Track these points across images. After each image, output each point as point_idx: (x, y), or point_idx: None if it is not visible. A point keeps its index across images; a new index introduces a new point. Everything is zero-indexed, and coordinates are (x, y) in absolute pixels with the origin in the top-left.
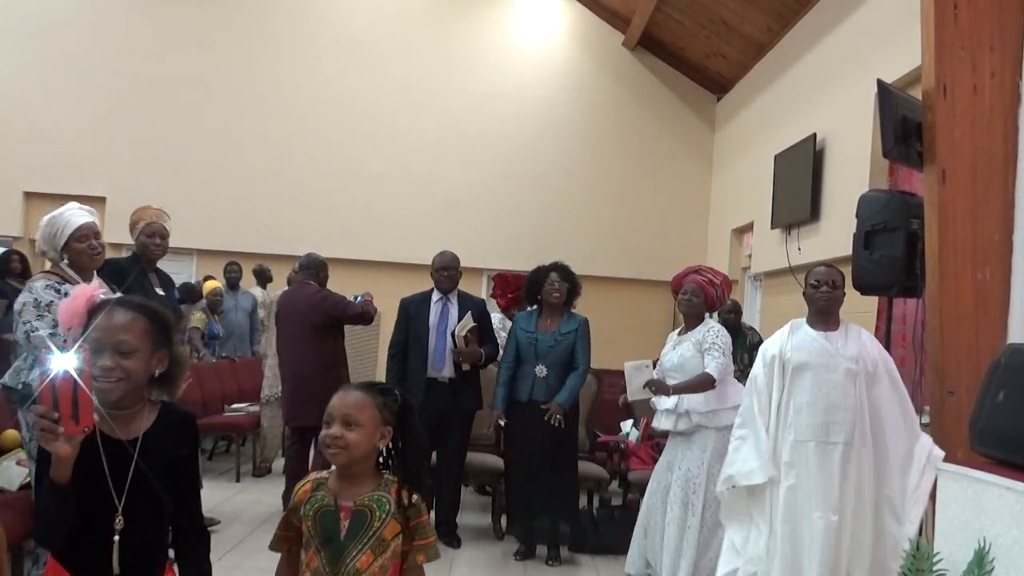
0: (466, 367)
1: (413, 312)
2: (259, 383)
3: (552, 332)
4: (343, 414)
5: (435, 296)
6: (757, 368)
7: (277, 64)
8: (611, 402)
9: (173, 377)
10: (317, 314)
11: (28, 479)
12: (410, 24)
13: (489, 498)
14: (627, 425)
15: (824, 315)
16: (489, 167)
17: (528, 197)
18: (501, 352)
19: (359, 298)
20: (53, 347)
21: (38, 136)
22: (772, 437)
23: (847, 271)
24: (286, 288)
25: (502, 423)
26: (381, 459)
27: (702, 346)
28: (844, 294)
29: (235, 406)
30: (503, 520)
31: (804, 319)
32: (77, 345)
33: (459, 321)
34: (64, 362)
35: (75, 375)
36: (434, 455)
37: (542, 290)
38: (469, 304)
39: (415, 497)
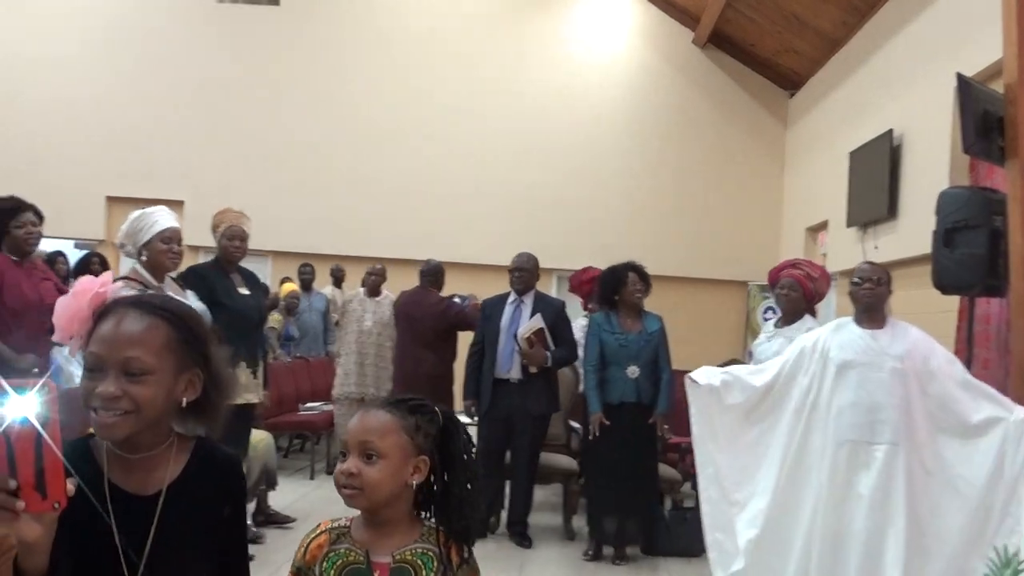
0: (533, 370)
1: (489, 313)
2: (332, 382)
3: (640, 332)
4: (360, 442)
5: (511, 297)
6: (787, 352)
7: (350, 67)
8: (683, 403)
9: (213, 405)
10: (440, 322)
11: None
12: (481, 25)
13: (560, 498)
14: None
15: (869, 312)
16: (559, 167)
17: (597, 197)
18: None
19: (466, 300)
20: (5, 385)
21: (120, 142)
22: (796, 436)
23: (926, 270)
24: (404, 290)
25: (606, 423)
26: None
27: None
28: (890, 291)
29: (309, 405)
30: (574, 520)
31: (851, 317)
32: (42, 382)
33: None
34: (21, 406)
35: (38, 425)
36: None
37: (622, 290)
38: (543, 306)
39: (467, 552)
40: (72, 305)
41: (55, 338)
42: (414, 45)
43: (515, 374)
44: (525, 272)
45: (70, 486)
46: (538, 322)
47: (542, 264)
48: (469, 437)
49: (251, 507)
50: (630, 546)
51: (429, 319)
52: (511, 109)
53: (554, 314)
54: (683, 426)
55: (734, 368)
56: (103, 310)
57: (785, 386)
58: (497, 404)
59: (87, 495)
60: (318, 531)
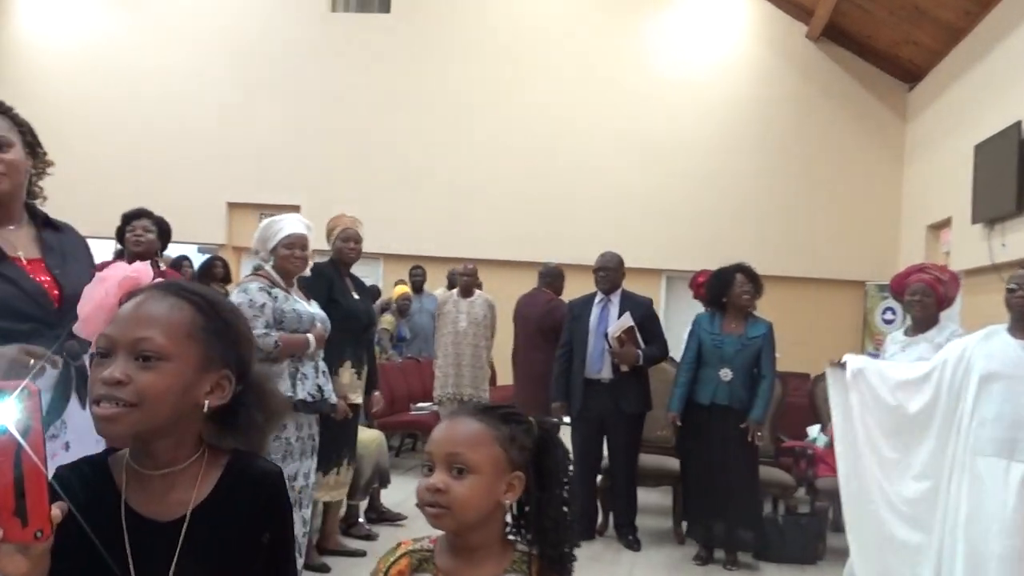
0: (624, 368)
1: (576, 313)
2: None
3: (739, 335)
4: (448, 454)
5: (597, 297)
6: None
7: (459, 72)
8: (796, 406)
9: (253, 423)
10: (546, 321)
11: None
12: (586, 24)
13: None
14: (814, 430)
15: (1023, 322)
16: (666, 166)
17: (706, 196)
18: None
19: None
20: None
21: (239, 150)
22: (936, 447)
23: None
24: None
25: (678, 424)
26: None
27: None
28: None
29: (420, 405)
30: (684, 524)
31: (1004, 325)
32: (22, 385)
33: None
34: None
35: (17, 435)
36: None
37: (730, 292)
38: (631, 304)
39: None
40: (97, 292)
41: (77, 330)
42: (522, 48)
43: (606, 374)
44: (610, 271)
45: (56, 511)
46: (628, 320)
47: (649, 265)
48: (567, 451)
49: (364, 504)
50: (732, 552)
51: (537, 320)
52: (619, 109)
53: (642, 312)
54: (797, 430)
55: (880, 364)
56: (129, 295)
57: (931, 393)
58: (589, 405)
59: (101, 521)
60: (398, 553)
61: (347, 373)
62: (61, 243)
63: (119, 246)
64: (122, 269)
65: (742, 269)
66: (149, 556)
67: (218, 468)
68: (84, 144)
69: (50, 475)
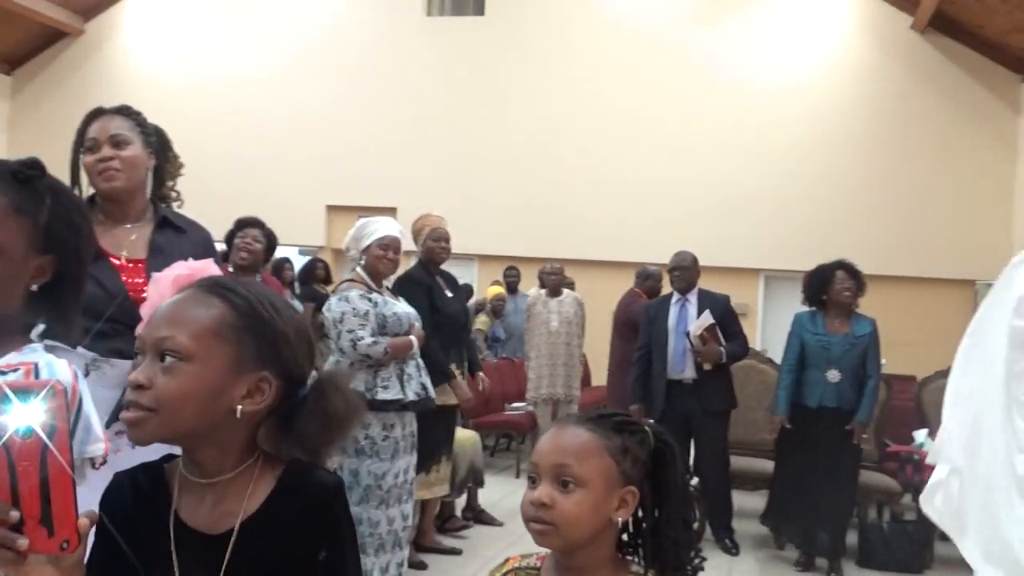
0: (707, 367)
1: (653, 315)
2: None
3: (845, 334)
4: (555, 466)
5: (674, 297)
6: None
7: (552, 73)
8: (902, 409)
9: (306, 429)
10: (625, 320)
11: (334, 468)
12: (684, 23)
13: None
14: (921, 435)
15: None
16: (764, 164)
17: (807, 194)
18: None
19: None
20: (6, 390)
21: (338, 153)
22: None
23: None
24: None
25: (786, 426)
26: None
27: None
28: None
29: (515, 405)
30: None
31: None
32: (48, 384)
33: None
34: (24, 414)
35: (45, 438)
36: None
37: (830, 289)
38: (709, 302)
39: None
40: (153, 293)
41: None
42: (616, 49)
43: (689, 373)
44: (685, 270)
45: (85, 520)
46: (708, 318)
47: (746, 265)
48: (687, 463)
49: (460, 501)
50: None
51: (620, 320)
52: (714, 108)
53: (721, 309)
54: (902, 435)
55: None
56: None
57: None
58: (673, 406)
59: (149, 532)
60: (505, 569)
61: (456, 380)
62: (173, 245)
63: (224, 248)
64: (178, 268)
65: (843, 266)
66: (196, 571)
67: (272, 478)
68: (186, 150)
69: (103, 482)
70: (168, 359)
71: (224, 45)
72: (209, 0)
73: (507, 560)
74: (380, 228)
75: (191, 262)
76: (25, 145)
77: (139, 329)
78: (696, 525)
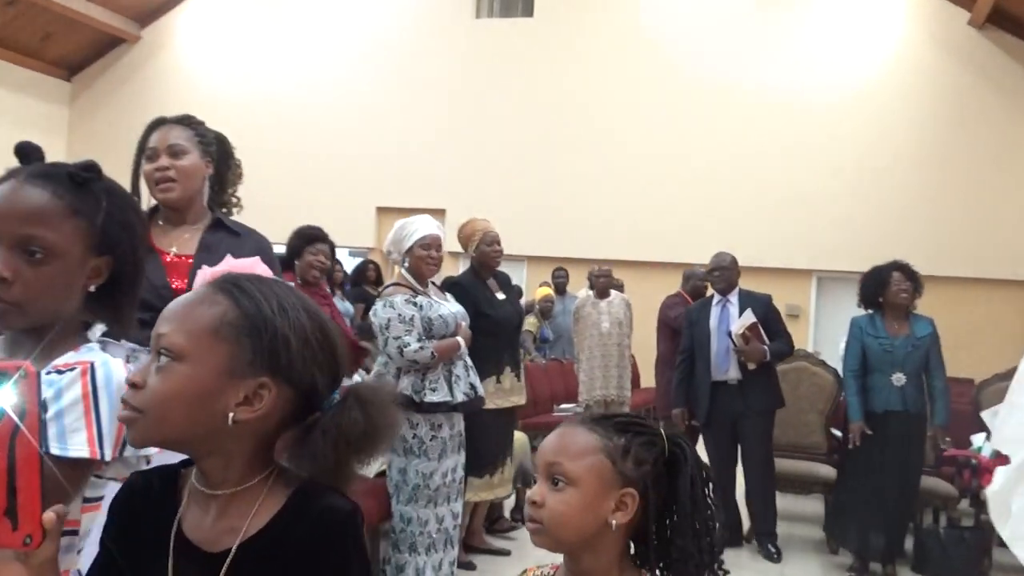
0: (752, 366)
1: (695, 318)
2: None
3: (907, 336)
4: (548, 463)
5: (715, 299)
6: None
7: (601, 74)
8: (960, 413)
9: (317, 448)
10: (664, 321)
11: (383, 467)
12: (733, 22)
13: (821, 508)
14: (979, 439)
15: None
16: (814, 165)
17: (861, 193)
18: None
19: None
20: None
21: (388, 156)
22: None
23: None
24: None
25: (868, 432)
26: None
27: None
28: None
29: (563, 406)
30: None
31: None
32: (19, 365)
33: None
34: None
35: (18, 421)
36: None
37: (886, 291)
38: (751, 302)
39: None
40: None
41: None
42: (665, 49)
43: (734, 374)
44: (725, 270)
45: (51, 515)
46: (750, 317)
47: (799, 265)
48: (706, 471)
49: (509, 502)
50: (889, 564)
51: (663, 323)
52: (770, 107)
53: (764, 308)
54: (960, 438)
55: None
56: None
57: None
58: (719, 408)
59: (151, 541)
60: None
61: (508, 379)
62: (223, 244)
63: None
64: (223, 265)
65: (899, 267)
66: None
67: (282, 497)
68: (237, 152)
69: (117, 484)
70: (162, 358)
71: (276, 49)
72: (261, 6)
73: (525, 571)
74: (419, 228)
75: (237, 259)
76: (83, 149)
77: None
78: (749, 527)
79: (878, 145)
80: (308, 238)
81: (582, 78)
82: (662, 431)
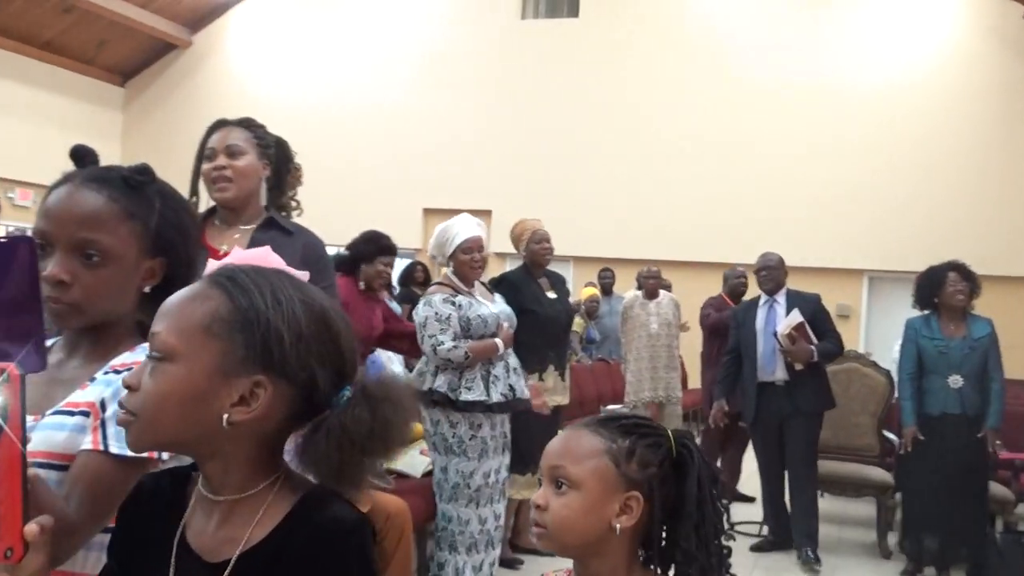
0: (799, 367)
1: (741, 319)
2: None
3: (964, 338)
4: (550, 467)
5: (762, 299)
6: None
7: (647, 73)
8: (1017, 415)
9: (319, 450)
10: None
11: (430, 467)
12: (780, 19)
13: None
14: None
15: None
16: (866, 163)
17: (914, 192)
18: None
19: None
20: None
21: (434, 157)
22: None
23: None
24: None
25: (921, 438)
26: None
27: None
28: None
29: (610, 407)
30: (889, 537)
31: None
32: (4, 366)
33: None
34: None
35: (1, 421)
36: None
37: (941, 292)
38: (798, 301)
39: None
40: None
41: None
42: (711, 48)
43: (780, 375)
44: (772, 270)
45: (33, 527)
46: (796, 316)
47: (850, 265)
48: (714, 474)
49: None
50: (954, 569)
51: (704, 323)
52: (820, 105)
53: (811, 308)
54: (1017, 441)
55: None
56: None
57: None
58: (766, 409)
59: (155, 547)
60: None
61: (551, 377)
62: (274, 242)
63: (343, 253)
64: (231, 257)
65: (955, 267)
66: None
67: (288, 505)
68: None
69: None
70: (155, 359)
71: (323, 52)
72: (309, 10)
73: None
74: (460, 231)
75: (245, 251)
76: (138, 153)
77: None
78: (722, 540)
79: (932, 141)
80: (382, 248)
81: (627, 78)
82: (669, 432)
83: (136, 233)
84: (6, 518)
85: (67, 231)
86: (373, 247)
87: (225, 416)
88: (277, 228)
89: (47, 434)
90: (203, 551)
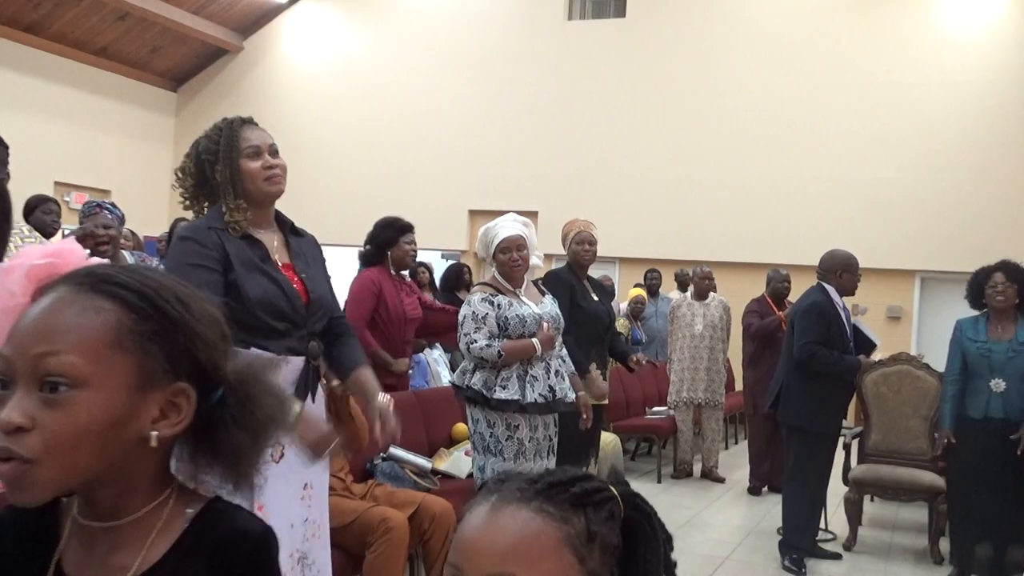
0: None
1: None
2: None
3: (1008, 341)
4: (490, 575)
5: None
6: None
7: (692, 73)
8: None
9: (233, 443)
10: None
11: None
12: (829, 19)
13: (925, 516)
14: None
15: None
16: (918, 162)
17: (966, 192)
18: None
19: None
20: None
21: (480, 159)
22: None
23: None
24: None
25: (951, 441)
26: None
27: None
28: None
29: (655, 409)
30: (941, 543)
31: None
32: None
33: None
34: None
35: None
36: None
37: (984, 293)
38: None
39: None
40: (1, 290)
41: None
42: (761, 46)
43: None
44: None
45: None
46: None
47: (901, 265)
48: (666, 537)
49: None
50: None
51: (750, 336)
52: (869, 105)
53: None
54: None
55: None
56: (42, 291)
57: None
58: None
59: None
60: None
61: (592, 374)
62: (302, 248)
63: (369, 246)
64: (30, 255)
65: (1003, 267)
66: None
67: (183, 522)
68: (335, 157)
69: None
70: (53, 387)
71: (371, 56)
72: (358, 15)
73: None
74: (499, 232)
75: (46, 245)
76: None
77: None
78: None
79: (984, 140)
80: (401, 228)
81: (675, 78)
82: (612, 488)
83: None
84: None
85: None
86: (393, 231)
87: (154, 435)
88: (295, 232)
89: None
90: None
